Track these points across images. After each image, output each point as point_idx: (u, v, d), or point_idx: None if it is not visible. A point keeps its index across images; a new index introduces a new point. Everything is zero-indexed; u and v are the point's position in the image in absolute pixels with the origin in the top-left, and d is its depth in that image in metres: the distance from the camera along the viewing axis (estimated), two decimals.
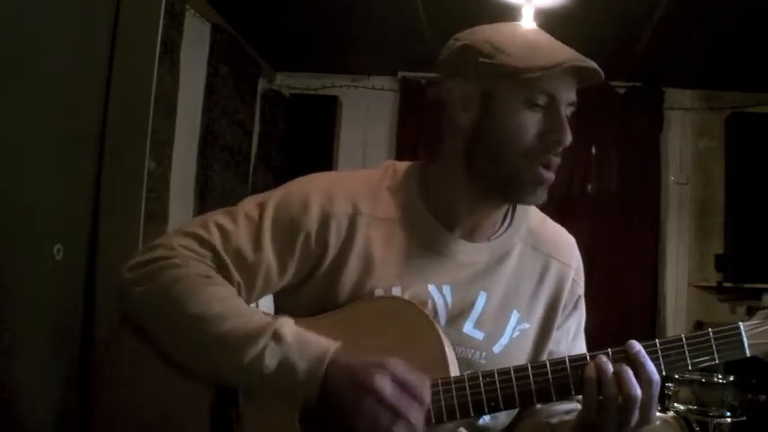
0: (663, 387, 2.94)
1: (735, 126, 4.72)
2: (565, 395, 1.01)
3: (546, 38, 1.13)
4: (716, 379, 2.99)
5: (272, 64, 5.13)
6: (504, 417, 1.17)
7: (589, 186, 4.93)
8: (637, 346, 1.00)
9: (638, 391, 0.96)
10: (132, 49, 1.72)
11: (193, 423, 1.04)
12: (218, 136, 4.33)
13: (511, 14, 3.74)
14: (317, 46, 4.69)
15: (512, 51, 1.07)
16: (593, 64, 1.09)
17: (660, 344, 1.00)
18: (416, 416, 0.95)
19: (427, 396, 0.97)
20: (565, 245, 1.25)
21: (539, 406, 1.17)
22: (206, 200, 4.12)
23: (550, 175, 1.10)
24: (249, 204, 1.14)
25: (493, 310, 1.15)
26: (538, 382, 1.00)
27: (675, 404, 2.91)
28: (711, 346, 1.00)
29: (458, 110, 1.12)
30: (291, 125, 5.14)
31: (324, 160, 4.96)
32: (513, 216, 1.21)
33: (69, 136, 1.58)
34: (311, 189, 1.15)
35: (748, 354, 0.99)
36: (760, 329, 1.00)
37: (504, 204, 1.18)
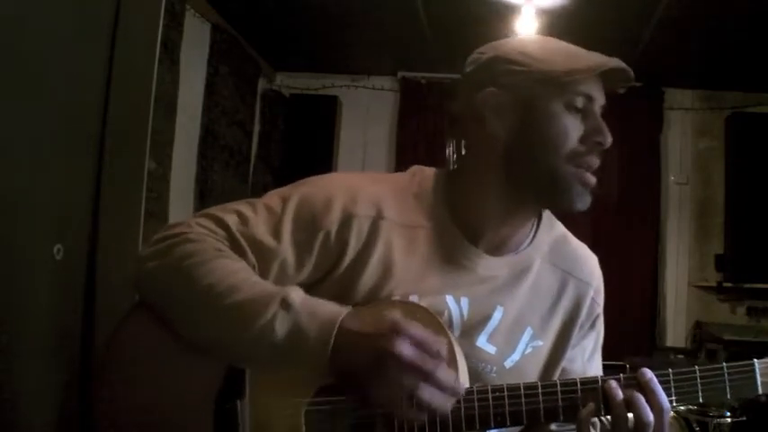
0: None
1: (735, 126, 4.72)
2: (573, 417, 1.01)
3: (568, 45, 1.14)
4: None
5: (272, 64, 5.13)
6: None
7: None
8: (649, 373, 0.99)
9: (651, 418, 0.96)
10: (132, 49, 1.72)
11: (194, 419, 1.03)
12: (218, 136, 4.33)
13: (511, 14, 3.74)
14: (316, 46, 4.69)
15: (546, 58, 1.09)
16: (626, 66, 1.10)
17: (673, 374, 1.00)
18: (442, 374, 0.93)
19: (445, 353, 0.95)
20: (585, 263, 1.23)
21: (554, 427, 1.17)
22: (206, 200, 4.13)
23: (593, 179, 1.10)
24: (271, 197, 1.13)
25: (507, 326, 1.14)
26: (547, 401, 1.00)
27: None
28: (725, 380, 0.99)
29: (493, 120, 1.11)
30: (291, 125, 5.14)
31: (324, 160, 4.97)
32: (535, 233, 1.19)
33: (69, 136, 1.58)
34: (336, 188, 1.13)
35: (760, 391, 0.98)
36: None
37: (535, 215, 1.17)
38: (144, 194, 1.86)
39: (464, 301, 1.12)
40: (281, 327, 0.96)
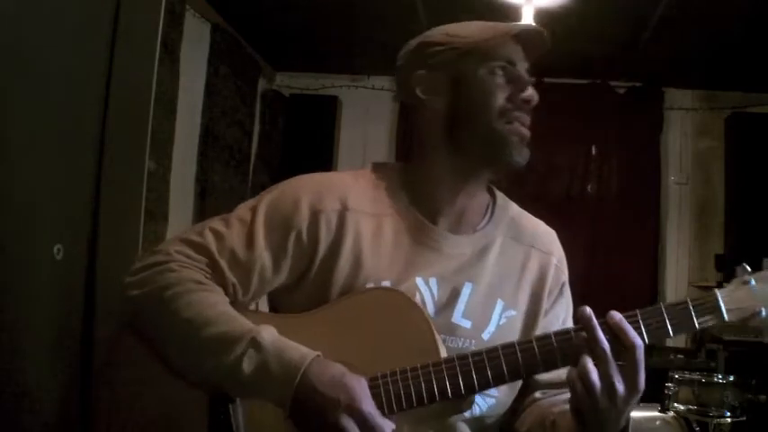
0: (663, 387, 2.96)
1: (735, 126, 4.72)
2: (552, 368, 1.04)
3: (490, 22, 1.24)
4: (716, 379, 2.98)
5: (272, 64, 5.13)
6: (499, 404, 1.19)
7: (589, 186, 4.93)
8: (617, 315, 1.02)
9: (637, 341, 0.99)
10: (132, 49, 1.72)
11: (192, 419, 1.05)
12: (218, 136, 4.33)
13: (511, 14, 3.74)
14: (317, 46, 4.69)
15: (465, 33, 1.21)
16: (539, 28, 1.20)
17: (641, 312, 1.03)
18: None
19: None
20: (544, 236, 1.30)
21: (538, 395, 1.21)
22: (206, 200, 4.12)
23: (526, 132, 1.19)
24: (241, 209, 1.19)
25: (479, 300, 1.19)
26: (525, 358, 1.03)
27: (675, 404, 2.90)
28: (691, 313, 1.02)
29: (431, 98, 1.21)
30: (291, 125, 5.14)
31: (324, 160, 4.96)
32: (493, 211, 1.27)
33: (69, 136, 1.58)
34: (300, 188, 1.20)
35: (726, 319, 1.01)
36: (736, 295, 1.02)
37: (483, 179, 1.24)
38: (144, 194, 1.86)
39: (433, 281, 1.17)
40: (249, 365, 1.01)
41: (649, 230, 4.88)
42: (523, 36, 1.20)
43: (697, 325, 1.02)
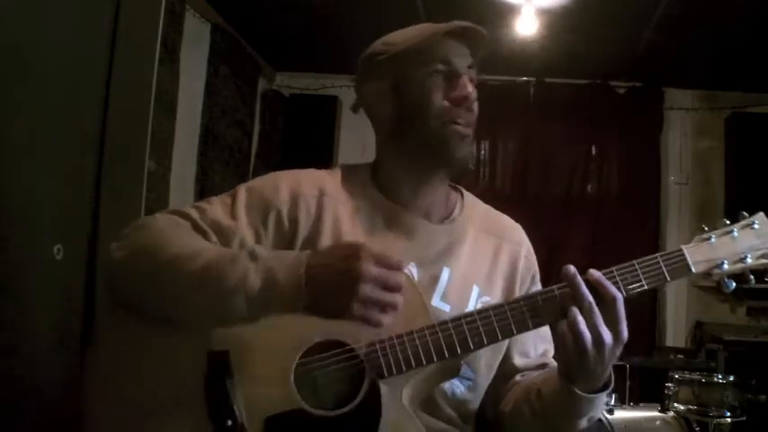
0: (663, 386, 2.96)
1: (735, 126, 4.72)
2: (538, 324, 1.08)
3: (428, 24, 1.26)
4: (716, 379, 2.99)
5: (272, 64, 5.13)
6: (477, 387, 1.23)
7: (589, 186, 4.93)
8: (597, 273, 1.06)
9: (615, 294, 1.04)
10: (132, 49, 1.72)
11: (188, 403, 1.04)
12: (218, 136, 4.33)
13: (511, 14, 3.74)
14: (317, 46, 4.69)
15: (397, 41, 1.25)
16: (469, 24, 1.21)
17: (616, 269, 1.09)
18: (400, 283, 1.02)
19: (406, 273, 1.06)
20: (512, 229, 1.36)
21: (518, 378, 1.27)
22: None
23: (467, 130, 1.22)
24: (222, 195, 1.23)
25: (456, 285, 1.23)
26: (514, 316, 1.07)
27: (675, 404, 2.91)
28: (661, 267, 1.09)
29: (378, 107, 1.27)
30: (291, 125, 5.14)
31: (324, 160, 4.96)
32: (463, 207, 1.32)
33: (69, 136, 1.58)
34: (279, 177, 1.25)
35: (694, 270, 1.08)
36: (699, 247, 1.10)
37: (439, 176, 1.27)
38: (144, 194, 1.87)
39: (412, 266, 1.20)
40: (256, 277, 1.01)
41: (649, 230, 4.88)
42: (459, 32, 1.22)
43: (668, 277, 1.08)
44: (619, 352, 1.06)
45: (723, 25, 3.75)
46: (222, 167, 4.41)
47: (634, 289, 1.08)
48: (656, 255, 1.09)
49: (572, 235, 4.75)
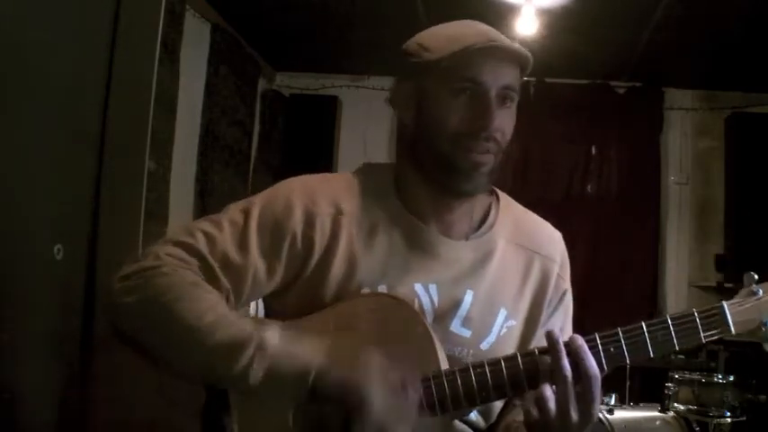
0: (663, 386, 2.96)
1: (735, 126, 4.72)
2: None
3: (472, 28, 1.15)
4: (716, 379, 2.99)
5: (272, 64, 5.13)
6: (492, 413, 1.19)
7: (589, 186, 4.93)
8: (579, 340, 1.00)
9: (594, 370, 0.98)
10: (132, 49, 1.72)
11: (184, 424, 1.05)
12: (218, 136, 4.33)
13: (511, 14, 3.74)
14: (317, 46, 4.69)
15: (431, 46, 1.13)
16: (503, 44, 1.10)
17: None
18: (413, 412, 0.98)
19: (418, 390, 0.99)
20: (548, 240, 1.25)
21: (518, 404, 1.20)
22: (206, 200, 4.12)
23: (483, 159, 1.11)
24: (233, 211, 1.14)
25: (480, 308, 1.16)
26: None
27: (675, 404, 2.91)
28: (697, 327, 1.01)
29: (402, 110, 1.18)
30: (291, 125, 5.14)
31: (324, 160, 4.96)
32: (496, 215, 1.22)
33: (69, 136, 1.58)
34: (293, 191, 1.16)
35: (733, 332, 1.00)
36: (744, 307, 1.01)
37: (453, 197, 1.17)
38: (144, 194, 1.86)
39: (433, 288, 1.14)
40: (258, 370, 0.98)
41: (649, 230, 4.88)
42: (492, 52, 1.10)
43: (703, 339, 1.00)
44: (588, 430, 0.99)
45: (723, 25, 3.75)
46: (222, 167, 4.41)
47: (664, 349, 1.01)
48: (693, 311, 1.01)
49: (572, 235, 4.75)
